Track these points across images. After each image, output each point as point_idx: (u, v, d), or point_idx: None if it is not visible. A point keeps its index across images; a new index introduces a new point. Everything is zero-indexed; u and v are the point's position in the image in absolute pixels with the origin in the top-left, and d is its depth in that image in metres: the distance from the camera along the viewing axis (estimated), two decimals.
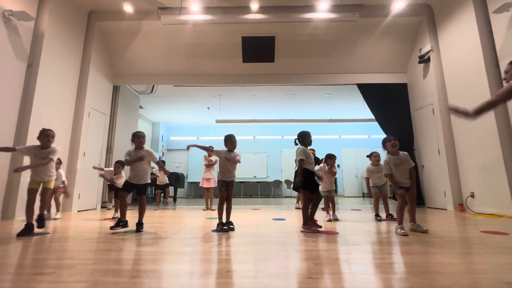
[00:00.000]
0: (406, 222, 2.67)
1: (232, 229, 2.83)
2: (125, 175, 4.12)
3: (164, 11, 5.13)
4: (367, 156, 3.89)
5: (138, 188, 2.88)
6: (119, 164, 4.24)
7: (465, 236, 2.46)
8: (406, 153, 2.70)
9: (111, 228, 2.77)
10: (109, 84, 5.91)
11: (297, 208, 5.48)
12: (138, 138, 2.93)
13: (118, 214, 3.83)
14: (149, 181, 2.97)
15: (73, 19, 4.91)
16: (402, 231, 2.48)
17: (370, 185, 3.74)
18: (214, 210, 4.86)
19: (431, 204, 5.23)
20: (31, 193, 2.67)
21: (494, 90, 4.00)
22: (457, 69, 4.68)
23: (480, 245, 2.08)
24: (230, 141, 3.07)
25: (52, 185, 2.83)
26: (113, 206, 4.53)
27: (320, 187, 3.84)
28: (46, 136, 2.76)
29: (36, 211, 2.70)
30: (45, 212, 2.87)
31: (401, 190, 2.60)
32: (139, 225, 2.81)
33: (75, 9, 4.97)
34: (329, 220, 3.52)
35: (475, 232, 2.64)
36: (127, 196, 2.89)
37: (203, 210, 5.07)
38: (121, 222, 2.80)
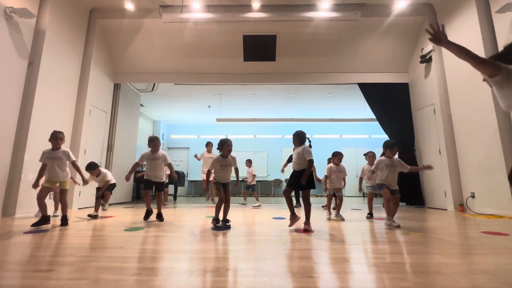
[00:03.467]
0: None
1: (228, 227, 2.85)
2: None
3: (165, 9, 5.12)
4: (364, 154, 4.16)
5: (156, 185, 3.45)
6: (91, 171, 3.91)
7: (465, 237, 2.46)
8: (400, 159, 3.11)
9: (144, 218, 3.35)
10: (110, 82, 5.91)
11: (241, 203, 5.87)
12: (149, 142, 3.44)
13: (97, 213, 3.79)
14: (164, 179, 3.53)
15: (74, 17, 4.91)
16: (395, 224, 2.85)
17: (366, 184, 3.98)
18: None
19: (431, 204, 5.23)
20: (44, 189, 2.96)
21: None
22: (458, 69, 4.66)
23: (480, 246, 2.08)
24: (226, 144, 3.01)
25: (67, 185, 3.10)
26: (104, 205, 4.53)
27: (328, 184, 3.85)
28: (55, 138, 3.08)
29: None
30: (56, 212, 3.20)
31: (385, 190, 3.01)
32: (159, 216, 3.39)
33: (77, 7, 4.97)
34: (329, 219, 3.51)
35: (475, 233, 2.63)
36: (150, 193, 3.46)
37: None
38: (150, 213, 3.40)
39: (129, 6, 5.08)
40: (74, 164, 3.14)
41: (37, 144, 4.05)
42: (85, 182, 3.35)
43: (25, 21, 4.04)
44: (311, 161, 2.77)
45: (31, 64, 4.12)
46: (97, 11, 5.35)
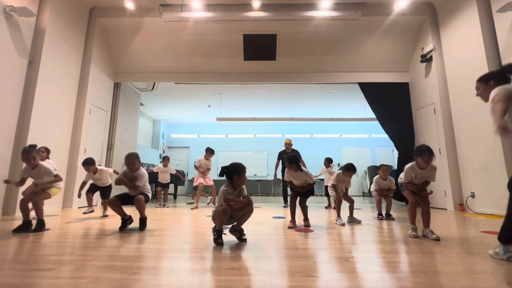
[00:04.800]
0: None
1: (244, 240, 2.22)
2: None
3: (165, 8, 5.11)
4: (377, 168, 3.79)
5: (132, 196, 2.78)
6: (88, 166, 3.61)
7: (465, 236, 2.46)
8: (435, 166, 2.43)
9: (120, 229, 2.66)
10: (110, 81, 5.90)
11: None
12: (126, 159, 2.77)
13: (92, 208, 3.67)
14: (145, 191, 2.82)
15: (74, 15, 4.90)
16: (413, 233, 2.40)
17: (373, 188, 3.74)
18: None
19: (431, 204, 5.15)
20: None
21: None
22: (459, 68, 4.65)
23: (480, 245, 2.08)
24: (243, 173, 2.20)
25: (51, 192, 2.77)
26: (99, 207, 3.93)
27: (329, 191, 3.78)
28: (27, 159, 2.64)
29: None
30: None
31: (408, 191, 2.52)
32: (142, 222, 2.72)
33: (77, 6, 4.96)
34: (342, 224, 3.10)
35: (475, 232, 2.63)
36: (119, 204, 2.72)
37: (193, 209, 4.78)
38: (128, 221, 2.76)
39: (129, 5, 5.07)
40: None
41: (38, 143, 4.03)
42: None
43: (25, 20, 4.03)
44: (314, 183, 3.03)
45: (31, 63, 4.11)
46: (97, 10, 5.34)
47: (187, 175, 11.01)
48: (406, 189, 2.53)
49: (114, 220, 3.34)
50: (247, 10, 5.03)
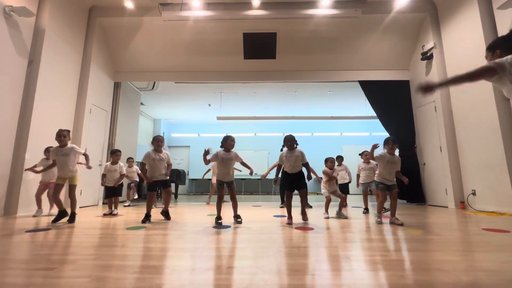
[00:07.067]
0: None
1: (240, 222, 3.05)
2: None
3: (165, 7, 5.10)
4: (360, 154, 4.39)
5: (163, 183, 3.31)
6: (117, 153, 4.00)
7: (466, 234, 2.46)
8: (400, 158, 3.11)
9: (143, 222, 3.08)
10: (110, 81, 5.90)
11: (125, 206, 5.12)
12: (156, 141, 3.32)
13: (117, 211, 3.94)
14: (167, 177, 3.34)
15: (74, 15, 4.89)
16: (378, 219, 3.00)
17: (360, 181, 4.20)
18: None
19: (432, 202, 5.22)
20: (57, 187, 3.10)
21: (496, 87, 3.96)
22: (460, 66, 4.63)
23: (481, 243, 2.08)
24: (229, 139, 3.18)
25: (76, 180, 3.22)
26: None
27: (322, 188, 3.82)
28: (58, 136, 3.12)
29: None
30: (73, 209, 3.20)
31: (382, 191, 3.05)
32: (166, 214, 3.30)
33: (76, 5, 4.95)
34: (327, 218, 3.46)
35: (476, 230, 2.63)
36: (155, 195, 3.35)
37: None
38: (149, 216, 3.19)
39: (129, 4, 5.06)
40: (85, 155, 3.38)
41: (38, 143, 4.06)
42: (89, 167, 3.44)
43: (25, 20, 4.02)
44: (308, 163, 3.24)
45: (30, 62, 4.11)
46: (96, 9, 5.33)
47: (187, 174, 11.02)
48: (381, 189, 3.05)
49: (115, 220, 3.35)
50: (247, 9, 5.02)
